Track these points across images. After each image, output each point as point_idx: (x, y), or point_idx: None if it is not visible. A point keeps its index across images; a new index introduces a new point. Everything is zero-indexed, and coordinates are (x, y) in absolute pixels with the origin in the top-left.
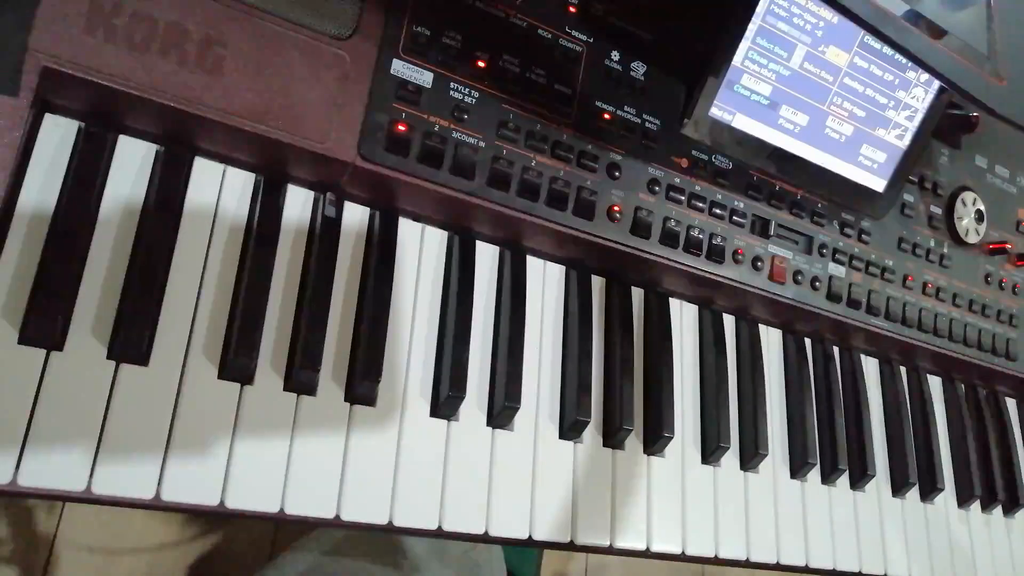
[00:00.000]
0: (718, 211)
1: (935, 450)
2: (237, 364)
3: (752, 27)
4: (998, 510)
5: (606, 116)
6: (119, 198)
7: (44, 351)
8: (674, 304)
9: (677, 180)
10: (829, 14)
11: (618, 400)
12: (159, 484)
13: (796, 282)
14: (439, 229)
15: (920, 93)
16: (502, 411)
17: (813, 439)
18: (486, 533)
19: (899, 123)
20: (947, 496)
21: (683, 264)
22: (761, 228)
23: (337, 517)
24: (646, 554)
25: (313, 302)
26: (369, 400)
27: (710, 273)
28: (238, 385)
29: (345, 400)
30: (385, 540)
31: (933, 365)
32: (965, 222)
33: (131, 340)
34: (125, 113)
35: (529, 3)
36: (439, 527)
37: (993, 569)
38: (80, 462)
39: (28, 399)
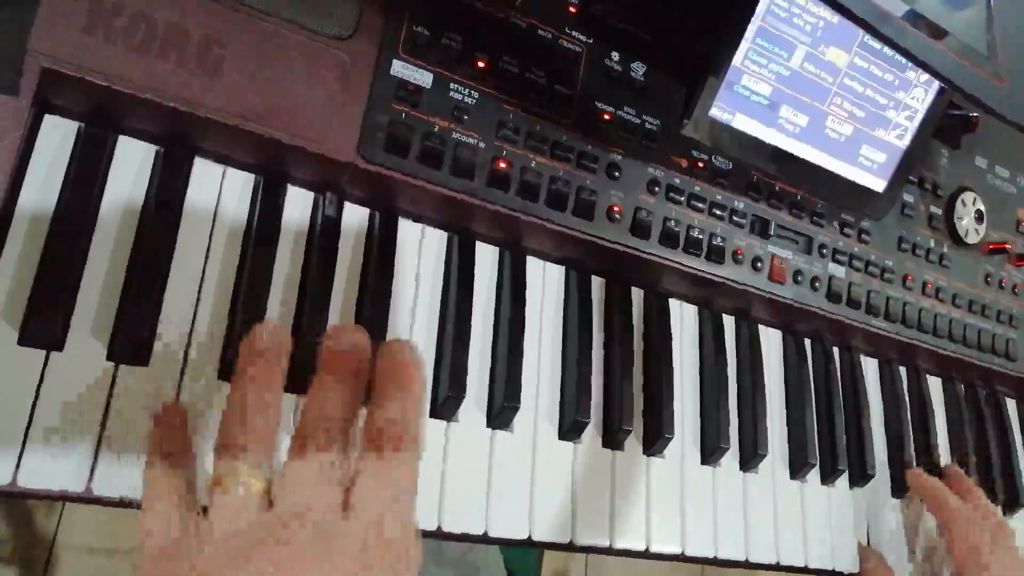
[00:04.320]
0: (718, 211)
1: (935, 450)
2: None
3: (752, 27)
4: (998, 511)
5: (606, 116)
6: (119, 198)
7: (44, 351)
8: (674, 304)
9: (677, 180)
10: (829, 14)
11: (618, 400)
12: None
13: (796, 282)
14: (439, 229)
15: (920, 93)
16: (501, 411)
17: (813, 439)
18: (486, 534)
19: (899, 123)
20: None
21: (683, 264)
22: (761, 228)
23: None
24: (646, 554)
25: (313, 303)
26: None
27: (710, 273)
28: None
29: None
30: None
31: (933, 365)
32: (965, 222)
33: (131, 340)
34: (125, 113)
35: (529, 3)
36: (438, 528)
37: None
38: (80, 462)
39: (28, 399)
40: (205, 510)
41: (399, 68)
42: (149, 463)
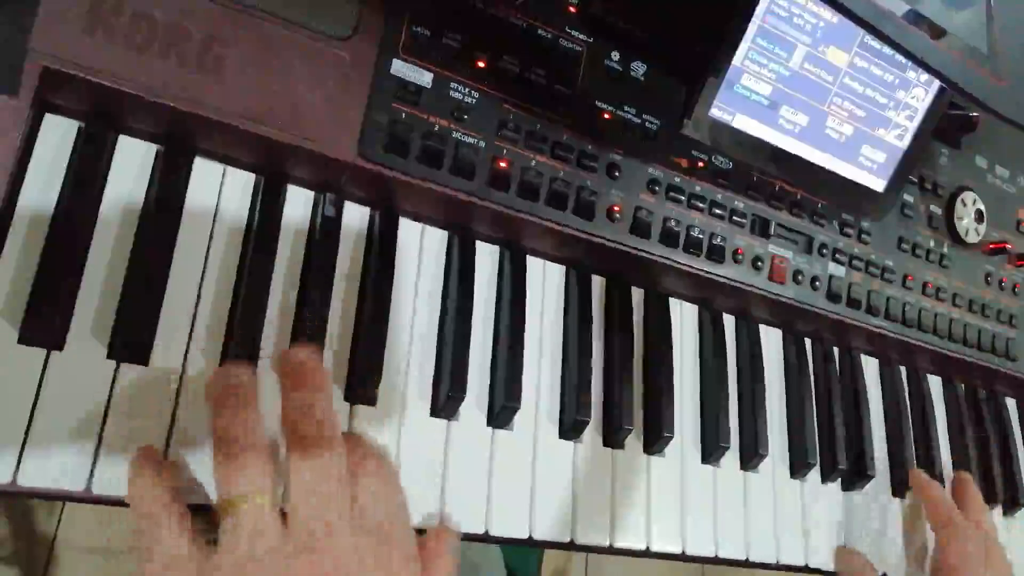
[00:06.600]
0: (718, 211)
1: (935, 450)
2: None
3: (752, 27)
4: (998, 510)
5: (606, 116)
6: (119, 198)
7: (44, 351)
8: (674, 304)
9: (677, 180)
10: (829, 14)
11: (618, 400)
12: None
13: (796, 282)
14: (439, 229)
15: (920, 93)
16: (502, 411)
17: (813, 439)
18: (486, 533)
19: (899, 123)
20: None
21: (683, 264)
22: (761, 228)
23: None
24: (646, 554)
25: (313, 303)
26: (369, 400)
27: (710, 273)
28: None
29: (345, 400)
30: None
31: (933, 365)
32: (965, 222)
33: (131, 340)
34: (125, 113)
35: (529, 3)
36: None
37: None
38: (80, 462)
39: (28, 399)
40: (192, 518)
41: (399, 68)
42: (136, 474)
